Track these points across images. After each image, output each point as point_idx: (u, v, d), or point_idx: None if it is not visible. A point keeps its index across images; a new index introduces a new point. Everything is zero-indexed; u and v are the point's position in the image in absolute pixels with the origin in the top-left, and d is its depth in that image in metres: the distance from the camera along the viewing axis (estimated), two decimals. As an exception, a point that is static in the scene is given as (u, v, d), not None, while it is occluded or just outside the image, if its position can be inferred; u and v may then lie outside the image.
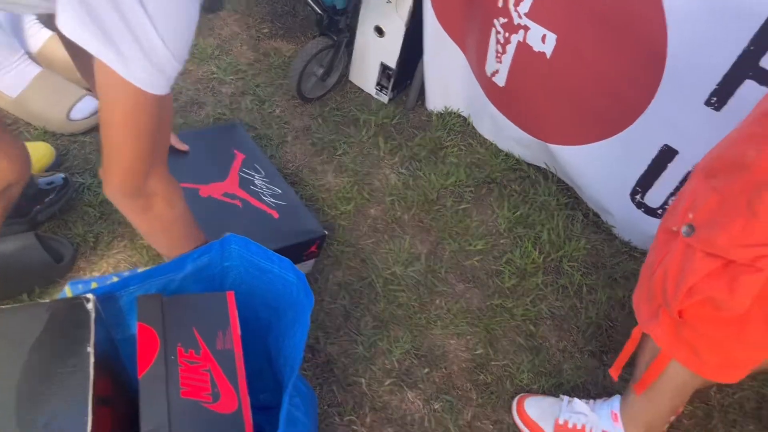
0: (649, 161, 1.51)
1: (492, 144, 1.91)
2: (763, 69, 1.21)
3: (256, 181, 1.43)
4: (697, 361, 1.05)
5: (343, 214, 1.65)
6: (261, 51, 2.02)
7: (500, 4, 1.54)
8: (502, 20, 1.57)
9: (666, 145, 1.46)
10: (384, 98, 1.96)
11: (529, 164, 1.87)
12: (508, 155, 1.89)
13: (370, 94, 1.98)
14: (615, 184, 1.62)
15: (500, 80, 1.70)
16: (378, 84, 1.94)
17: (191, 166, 1.41)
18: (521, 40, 1.56)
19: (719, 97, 1.30)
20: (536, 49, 1.54)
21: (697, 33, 1.27)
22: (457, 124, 1.94)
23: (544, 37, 1.51)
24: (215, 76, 1.90)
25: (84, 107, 1.63)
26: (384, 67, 1.89)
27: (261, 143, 1.76)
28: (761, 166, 0.88)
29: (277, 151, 1.76)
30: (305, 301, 0.95)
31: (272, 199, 1.40)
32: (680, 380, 1.14)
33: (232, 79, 1.91)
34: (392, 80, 1.91)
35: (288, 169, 1.73)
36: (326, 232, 1.37)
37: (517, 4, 1.51)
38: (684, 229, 0.99)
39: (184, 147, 1.44)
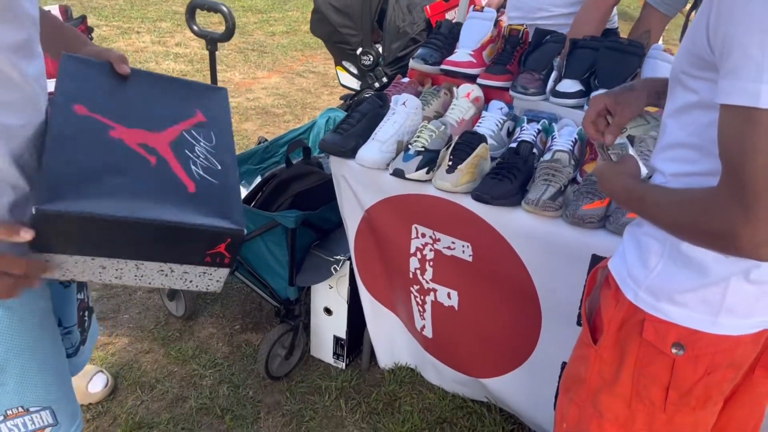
0: (557, 377, 1.80)
1: (439, 388, 2.19)
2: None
3: (196, 148, 1.09)
4: None
5: (313, 475, 1.85)
6: (234, 344, 2.38)
7: (411, 275, 1.97)
8: (416, 287, 1.98)
9: (564, 362, 1.77)
10: (341, 365, 2.29)
11: (473, 400, 2.13)
12: (454, 395, 2.16)
13: (329, 363, 2.31)
14: (541, 403, 1.88)
15: (428, 333, 2.05)
16: (334, 354, 2.28)
17: (124, 103, 1.08)
18: (433, 299, 1.95)
19: (583, 318, 1.65)
20: (446, 304, 1.93)
21: (549, 272, 1.67)
22: (407, 376, 2.24)
23: (449, 295, 1.91)
24: (196, 372, 2.23)
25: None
26: (337, 339, 2.25)
27: (237, 423, 2.03)
28: (591, 378, 1.18)
29: (252, 427, 2.02)
30: None
31: (200, 171, 1.05)
32: None
33: (211, 372, 2.24)
34: (345, 348, 2.25)
35: (262, 442, 1.97)
36: (244, 231, 1.01)
37: (422, 273, 1.94)
38: None
39: (124, 69, 1.12)
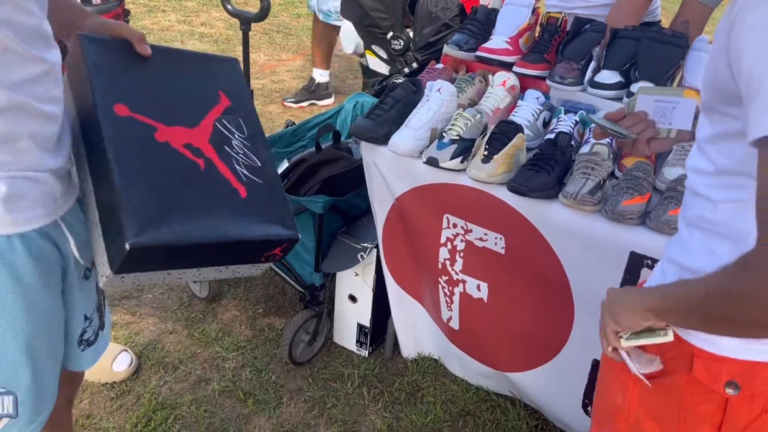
0: (587, 375, 1.77)
1: (462, 380, 2.16)
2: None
3: (233, 142, 1.13)
4: None
5: (335, 462, 1.84)
6: (257, 328, 2.37)
7: (439, 265, 1.94)
8: (444, 277, 1.95)
9: (595, 360, 1.73)
10: (364, 353, 2.27)
11: (497, 394, 2.11)
12: (478, 388, 2.13)
13: (352, 351, 2.29)
14: (568, 401, 1.85)
15: (455, 324, 2.03)
16: (358, 341, 2.27)
17: (156, 94, 1.10)
18: (462, 291, 1.92)
19: (618, 316, 1.61)
20: (475, 296, 1.90)
21: (584, 268, 1.63)
22: (430, 366, 2.22)
23: (478, 287, 1.88)
24: (219, 354, 2.23)
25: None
26: (360, 327, 2.23)
27: (259, 407, 2.02)
28: (631, 408, 1.09)
29: (274, 412, 2.01)
30: None
31: (245, 171, 1.11)
32: None
33: (234, 355, 2.23)
34: (369, 336, 2.23)
35: (284, 428, 1.96)
36: (298, 236, 1.11)
37: (452, 264, 1.90)
38: None
39: (146, 50, 1.12)
